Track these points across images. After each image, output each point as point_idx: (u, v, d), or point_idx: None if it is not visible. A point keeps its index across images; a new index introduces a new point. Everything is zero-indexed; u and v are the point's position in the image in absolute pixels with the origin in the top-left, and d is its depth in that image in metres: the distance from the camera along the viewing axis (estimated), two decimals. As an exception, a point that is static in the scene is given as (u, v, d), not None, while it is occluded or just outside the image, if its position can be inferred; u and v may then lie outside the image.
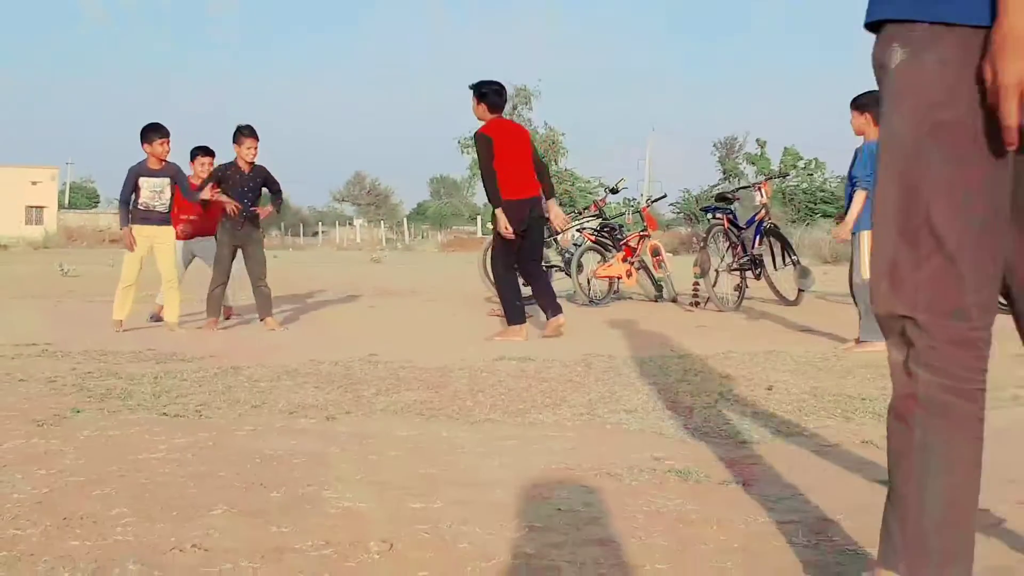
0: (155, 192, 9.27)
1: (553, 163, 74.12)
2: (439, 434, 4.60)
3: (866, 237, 7.84)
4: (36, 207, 67.31)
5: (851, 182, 8.15)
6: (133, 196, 9.25)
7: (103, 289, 14.46)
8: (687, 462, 4.04)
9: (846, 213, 8.08)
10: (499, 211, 8.62)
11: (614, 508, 3.35)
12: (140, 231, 9.21)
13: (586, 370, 6.61)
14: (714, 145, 73.54)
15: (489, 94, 8.81)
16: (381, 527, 3.11)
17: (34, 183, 67.42)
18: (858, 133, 8.11)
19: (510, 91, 73.41)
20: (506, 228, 8.59)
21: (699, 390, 5.83)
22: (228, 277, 9.77)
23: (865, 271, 7.80)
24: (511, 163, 8.71)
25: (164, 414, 4.98)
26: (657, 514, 3.29)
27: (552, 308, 8.94)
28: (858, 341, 7.96)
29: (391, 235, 66.65)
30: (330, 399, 5.46)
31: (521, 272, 9.09)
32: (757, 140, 66.60)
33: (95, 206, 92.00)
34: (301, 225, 77.66)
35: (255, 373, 6.34)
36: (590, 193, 65.17)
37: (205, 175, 10.07)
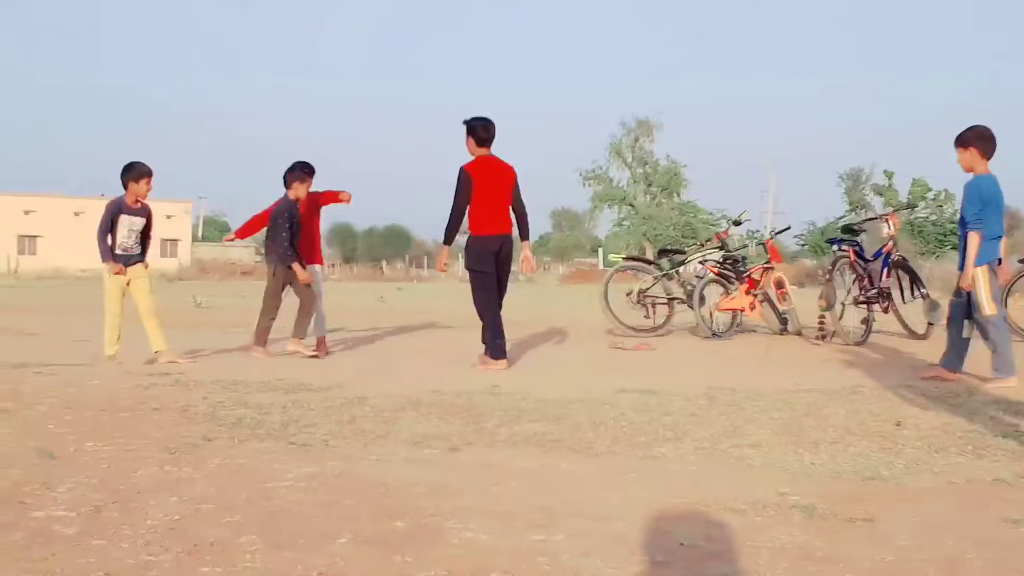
0: (132, 231, 9.15)
1: (675, 195, 73.83)
2: (560, 466, 4.61)
3: (981, 273, 7.81)
4: (170, 240, 69.45)
5: (962, 223, 8.06)
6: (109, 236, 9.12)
7: (236, 320, 14.83)
8: (812, 498, 3.97)
9: (962, 256, 7.93)
10: (444, 249, 9.37)
11: (737, 544, 3.32)
12: (116, 268, 9.05)
13: (709, 404, 6.55)
14: (840, 176, 72.40)
15: (477, 129, 9.02)
16: (503, 558, 3.13)
17: (169, 217, 69.55)
18: (967, 170, 8.03)
19: (631, 123, 72.97)
20: (443, 265, 9.60)
21: (825, 425, 5.73)
22: (277, 311, 10.07)
23: (985, 307, 7.77)
24: (489, 199, 8.94)
25: (292, 443, 5.08)
26: (781, 551, 3.24)
27: (499, 353, 9.04)
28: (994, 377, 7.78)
29: (513, 267, 66.96)
30: (453, 430, 5.51)
31: None
32: (884, 171, 65.37)
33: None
34: (425, 257, 78.51)
35: (380, 403, 6.42)
36: (712, 225, 64.64)
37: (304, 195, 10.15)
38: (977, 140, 7.95)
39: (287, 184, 9.90)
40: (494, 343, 9.01)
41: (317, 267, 10.34)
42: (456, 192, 8.95)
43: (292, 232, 9.76)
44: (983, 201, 7.84)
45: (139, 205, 9.22)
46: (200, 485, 4.15)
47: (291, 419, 5.81)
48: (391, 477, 4.32)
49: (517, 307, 21.16)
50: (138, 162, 9.20)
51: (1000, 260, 8.03)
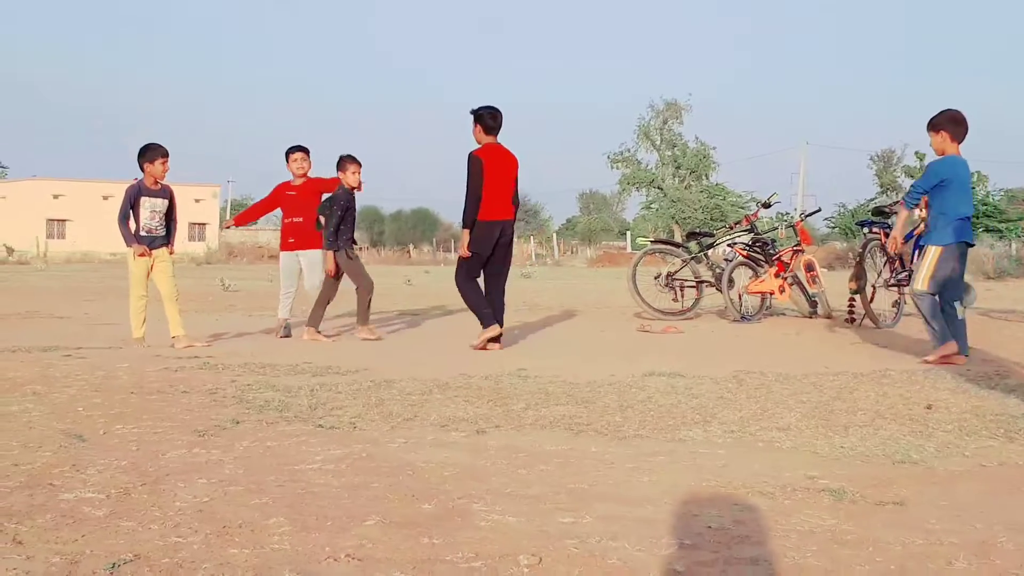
0: (154, 212, 9.20)
1: (704, 178, 73.61)
2: (588, 449, 4.60)
3: (932, 251, 8.19)
4: (199, 224, 69.88)
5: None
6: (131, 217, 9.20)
7: (263, 304, 14.89)
8: (842, 481, 3.95)
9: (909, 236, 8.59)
10: (466, 232, 9.23)
11: (766, 527, 3.30)
12: (140, 249, 9.11)
13: (737, 387, 6.52)
14: (871, 158, 71.99)
15: (484, 117, 9.25)
16: (530, 541, 3.12)
17: (197, 200, 70.04)
18: (939, 153, 8.34)
19: (659, 106, 72.99)
20: (466, 249, 9.16)
21: (855, 408, 5.70)
22: (335, 294, 10.23)
23: (918, 281, 8.20)
24: (493, 186, 9.13)
25: (320, 426, 5.09)
26: (811, 534, 3.22)
27: (488, 319, 9.13)
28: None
29: (541, 250, 66.88)
30: (480, 413, 5.51)
31: (485, 285, 9.40)
32: (916, 153, 64.86)
33: (255, 223, 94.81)
34: (452, 241, 78.57)
35: (407, 386, 6.43)
36: (742, 208, 64.41)
37: (299, 171, 10.57)
38: (948, 123, 8.25)
39: (339, 168, 10.10)
40: (481, 312, 9.15)
41: (317, 252, 10.39)
42: (470, 177, 9.13)
43: (341, 220, 9.91)
44: (946, 177, 8.15)
45: (159, 187, 9.27)
46: (228, 467, 4.16)
47: (319, 402, 5.82)
48: (419, 460, 4.32)
49: (545, 291, 21.19)
50: (153, 143, 9.28)
51: (970, 242, 8.32)
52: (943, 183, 8.17)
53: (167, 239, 9.33)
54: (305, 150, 10.60)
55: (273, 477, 3.98)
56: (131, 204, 9.14)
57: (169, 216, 9.37)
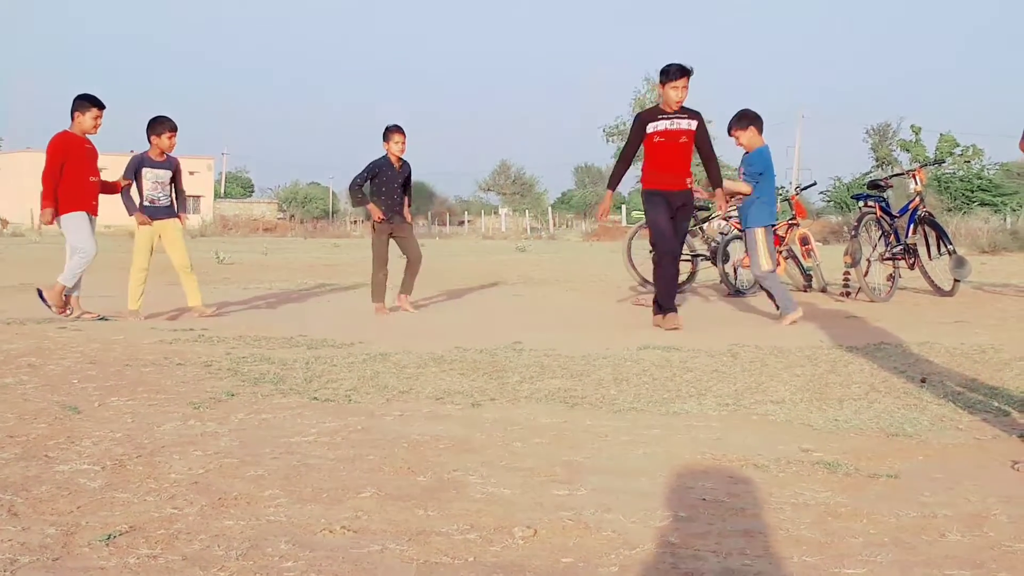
0: (158, 183, 9.26)
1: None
2: (583, 422, 4.61)
3: (760, 233, 9.18)
4: (193, 196, 69.60)
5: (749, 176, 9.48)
6: (136, 189, 9.27)
7: (258, 276, 14.88)
8: (836, 454, 3.96)
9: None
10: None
11: (760, 499, 3.31)
12: (142, 219, 9.18)
13: (732, 360, 6.53)
14: (867, 132, 71.97)
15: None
16: (525, 513, 3.13)
17: (192, 173, 69.65)
18: (748, 148, 9.48)
19: (655, 79, 73.40)
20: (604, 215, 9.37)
21: (849, 381, 5.71)
22: (386, 264, 10.17)
23: (761, 263, 9.19)
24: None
25: (315, 398, 5.09)
26: (805, 506, 3.24)
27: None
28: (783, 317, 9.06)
29: (536, 224, 66.80)
30: (475, 386, 5.51)
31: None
32: (912, 126, 64.93)
33: (249, 195, 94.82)
34: (448, 214, 78.50)
35: (402, 360, 6.43)
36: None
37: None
38: (755, 119, 9.44)
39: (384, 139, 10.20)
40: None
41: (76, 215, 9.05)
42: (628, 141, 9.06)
43: (373, 183, 10.12)
44: (766, 167, 9.37)
45: (164, 158, 9.32)
46: (224, 439, 4.17)
47: (314, 374, 5.83)
48: (414, 432, 4.33)
49: (540, 264, 21.18)
50: (161, 116, 9.33)
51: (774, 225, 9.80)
52: (764, 172, 9.31)
53: (172, 209, 9.38)
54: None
55: (268, 449, 3.98)
56: (134, 174, 9.20)
57: (175, 187, 9.44)
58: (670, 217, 8.60)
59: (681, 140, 8.60)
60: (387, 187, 10.10)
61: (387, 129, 10.17)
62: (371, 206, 10.07)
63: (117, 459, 3.79)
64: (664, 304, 8.65)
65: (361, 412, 4.78)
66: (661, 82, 8.62)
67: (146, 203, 9.22)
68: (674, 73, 8.50)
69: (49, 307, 8.67)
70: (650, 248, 9.34)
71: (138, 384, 5.47)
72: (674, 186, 8.59)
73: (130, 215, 9.25)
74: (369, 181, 10.13)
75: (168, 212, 9.32)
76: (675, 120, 8.57)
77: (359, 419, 4.60)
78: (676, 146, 8.61)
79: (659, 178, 8.60)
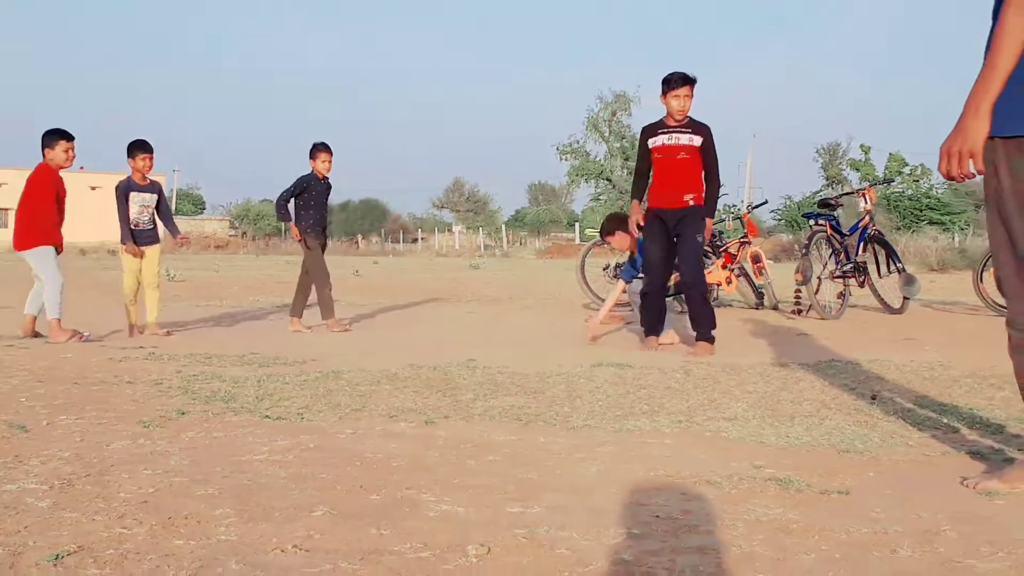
0: (143, 207, 9.41)
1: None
2: (537, 439, 4.60)
3: None
4: (145, 212, 68.97)
5: None
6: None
7: (210, 294, 14.76)
8: (788, 471, 3.98)
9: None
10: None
11: (713, 516, 3.32)
12: (132, 250, 9.34)
13: (685, 377, 6.56)
14: (817, 151, 72.71)
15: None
16: (479, 531, 3.12)
17: (143, 190, 69.03)
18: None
19: (608, 97, 72.99)
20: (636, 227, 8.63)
21: (800, 398, 5.75)
22: (329, 277, 10.34)
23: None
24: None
25: (267, 416, 5.05)
26: (757, 523, 3.25)
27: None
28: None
29: (489, 241, 66.89)
30: (429, 403, 5.50)
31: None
32: (861, 146, 65.65)
33: (201, 212, 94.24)
34: (401, 232, 78.38)
35: (355, 377, 6.40)
36: (689, 200, 64.38)
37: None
38: None
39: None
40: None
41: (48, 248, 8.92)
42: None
43: (301, 199, 10.31)
44: None
45: (147, 182, 9.47)
46: (174, 458, 4.12)
47: (266, 393, 5.78)
48: (367, 451, 4.30)
49: (493, 282, 21.18)
50: (136, 140, 9.45)
51: None
52: None
53: (155, 233, 9.60)
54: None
55: (219, 468, 3.94)
56: (125, 200, 9.31)
57: (161, 209, 9.60)
58: (667, 242, 8.38)
59: (679, 156, 8.25)
60: (316, 202, 10.30)
61: (314, 147, 10.33)
62: (292, 224, 10.32)
63: (65, 478, 3.73)
64: (647, 331, 8.64)
65: (314, 430, 4.74)
66: (663, 92, 8.21)
67: (132, 227, 9.34)
68: (676, 81, 8.12)
69: (63, 343, 8.41)
70: (604, 266, 9.35)
71: (87, 402, 5.40)
72: (670, 203, 8.29)
73: (122, 243, 9.34)
74: (296, 197, 10.28)
75: (151, 237, 9.51)
76: (674, 135, 8.25)
77: (311, 437, 4.57)
78: (673, 163, 8.27)
79: (656, 195, 8.43)
